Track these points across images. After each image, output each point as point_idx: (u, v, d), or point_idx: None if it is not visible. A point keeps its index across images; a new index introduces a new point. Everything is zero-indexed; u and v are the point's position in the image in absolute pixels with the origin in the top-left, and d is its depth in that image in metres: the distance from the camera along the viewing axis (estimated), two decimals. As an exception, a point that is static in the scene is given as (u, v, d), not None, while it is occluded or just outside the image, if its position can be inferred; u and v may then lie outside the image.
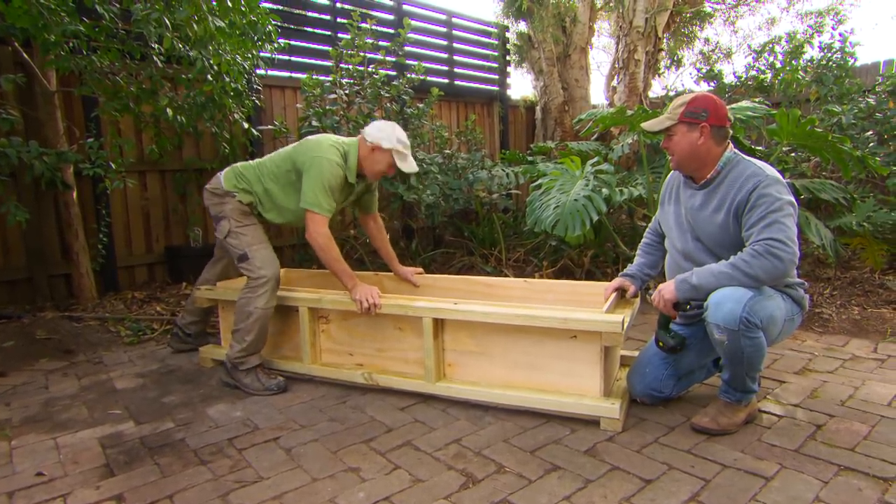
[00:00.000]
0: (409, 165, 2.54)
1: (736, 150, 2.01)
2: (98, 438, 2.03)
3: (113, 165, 3.43)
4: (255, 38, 3.41)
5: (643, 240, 2.40)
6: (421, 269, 2.98)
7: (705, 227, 2.00)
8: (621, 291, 2.25)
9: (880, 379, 2.39)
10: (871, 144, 4.31)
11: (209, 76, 3.34)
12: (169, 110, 3.50)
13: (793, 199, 1.86)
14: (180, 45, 3.07)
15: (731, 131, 2.02)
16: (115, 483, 1.72)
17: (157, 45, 3.30)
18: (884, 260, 3.86)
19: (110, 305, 3.71)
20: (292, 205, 2.55)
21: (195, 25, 2.83)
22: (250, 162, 2.69)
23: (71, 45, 3.12)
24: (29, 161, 3.01)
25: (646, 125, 2.09)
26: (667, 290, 1.94)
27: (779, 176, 1.90)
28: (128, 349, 3.10)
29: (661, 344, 2.02)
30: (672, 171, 2.22)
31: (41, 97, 3.50)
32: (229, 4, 2.94)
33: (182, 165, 4.37)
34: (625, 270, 2.34)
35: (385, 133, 2.47)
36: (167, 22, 2.85)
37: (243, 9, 3.06)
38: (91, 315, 3.51)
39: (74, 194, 3.65)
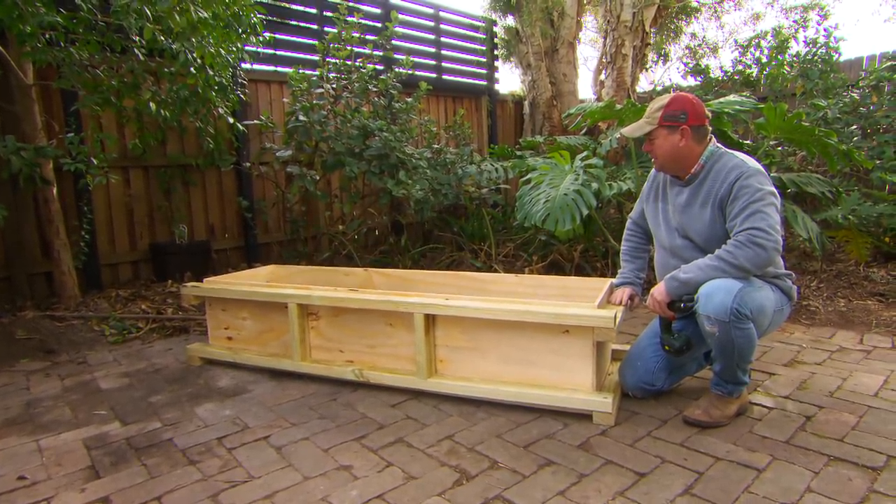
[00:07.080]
0: None
1: (718, 144, 2.02)
2: (83, 440, 1.98)
3: (94, 161, 3.35)
4: (240, 30, 3.35)
5: (626, 243, 2.37)
6: None
7: (694, 223, 2.00)
8: (630, 299, 2.20)
9: (867, 370, 2.42)
10: (856, 139, 4.37)
11: (192, 69, 3.27)
12: (152, 104, 3.43)
13: (774, 190, 1.88)
14: (162, 38, 3.01)
15: (710, 127, 2.03)
16: (100, 485, 1.68)
17: (138, 38, 3.22)
18: (868, 252, 3.91)
19: (94, 304, 3.64)
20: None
21: (177, 16, 2.75)
22: None
23: (48, 36, 3.04)
24: (6, 156, 2.93)
25: (625, 131, 2.10)
26: (658, 292, 1.96)
27: (760, 167, 1.92)
28: (112, 348, 3.04)
29: (667, 347, 2.00)
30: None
31: (18, 90, 3.40)
32: (213, -6, 2.88)
33: (166, 161, 4.29)
34: (621, 277, 2.30)
35: None
36: (148, 12, 2.78)
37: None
38: (74, 314, 3.43)
39: (54, 190, 3.56)
